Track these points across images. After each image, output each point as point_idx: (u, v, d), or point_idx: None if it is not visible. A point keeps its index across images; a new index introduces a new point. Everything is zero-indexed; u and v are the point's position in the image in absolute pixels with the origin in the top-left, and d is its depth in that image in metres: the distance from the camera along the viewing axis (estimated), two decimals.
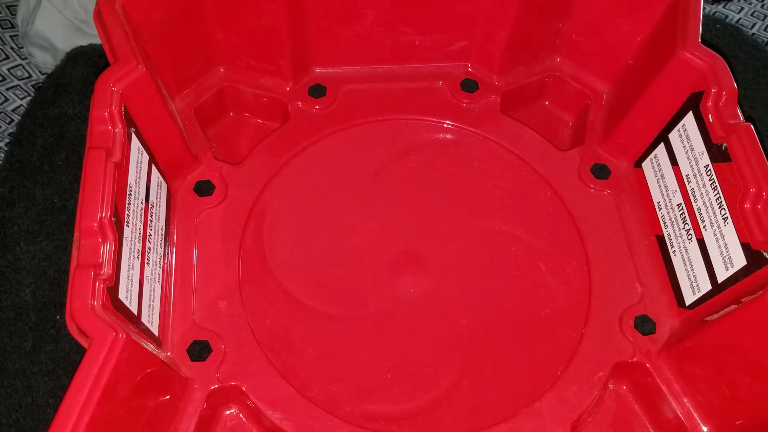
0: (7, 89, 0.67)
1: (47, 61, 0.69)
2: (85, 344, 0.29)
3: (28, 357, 0.40)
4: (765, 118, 0.52)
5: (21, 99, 0.67)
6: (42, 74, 0.70)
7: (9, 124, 0.66)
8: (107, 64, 0.36)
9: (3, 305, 0.41)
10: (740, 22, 0.80)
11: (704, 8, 0.41)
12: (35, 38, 0.67)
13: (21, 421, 0.38)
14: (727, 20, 0.78)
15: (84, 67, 0.52)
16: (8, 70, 0.69)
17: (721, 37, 0.56)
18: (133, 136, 0.36)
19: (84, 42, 0.66)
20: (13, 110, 0.67)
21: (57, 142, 0.48)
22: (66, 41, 0.66)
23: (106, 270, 0.30)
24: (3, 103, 0.66)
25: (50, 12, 0.66)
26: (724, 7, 0.80)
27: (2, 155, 0.62)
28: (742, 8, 0.80)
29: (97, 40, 0.54)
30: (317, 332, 0.39)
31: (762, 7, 0.81)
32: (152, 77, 0.37)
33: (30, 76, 0.70)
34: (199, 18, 0.43)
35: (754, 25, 0.79)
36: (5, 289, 0.42)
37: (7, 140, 0.64)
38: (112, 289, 0.31)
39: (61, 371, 0.39)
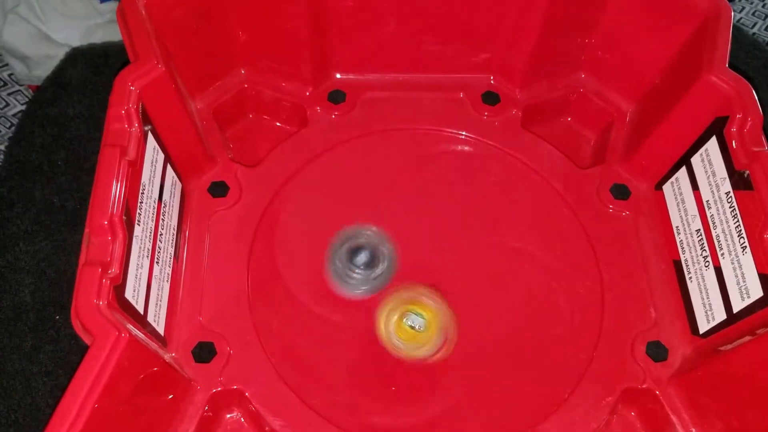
0: (8, 94, 0.68)
1: (23, 71, 0.69)
2: (88, 342, 0.29)
3: (28, 357, 0.40)
4: (765, 118, 0.51)
5: (22, 104, 0.68)
6: (21, 86, 0.70)
7: (9, 128, 0.67)
8: (107, 64, 0.36)
9: (2, 305, 0.41)
10: (741, 21, 0.79)
11: None
12: (7, 49, 0.68)
13: (20, 422, 0.38)
14: None
15: (83, 67, 0.52)
16: (9, 75, 0.70)
17: None
18: (150, 135, 0.36)
19: (52, 49, 0.66)
20: (13, 115, 0.68)
21: (56, 142, 0.48)
22: (35, 50, 0.67)
23: (114, 268, 0.30)
24: (4, 108, 0.67)
25: (16, 23, 0.66)
26: None
27: (2, 157, 0.63)
28: (743, 8, 0.79)
29: (67, 49, 0.55)
30: (323, 340, 0.39)
31: (763, 6, 0.80)
32: (171, 77, 0.37)
33: None
34: (222, 19, 0.43)
35: (755, 24, 0.78)
36: (4, 290, 0.42)
37: (6, 144, 0.65)
38: (119, 288, 0.31)
39: (61, 372, 0.39)
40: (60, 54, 0.61)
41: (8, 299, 0.42)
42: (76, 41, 0.65)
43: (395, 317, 0.38)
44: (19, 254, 0.43)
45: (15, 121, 0.68)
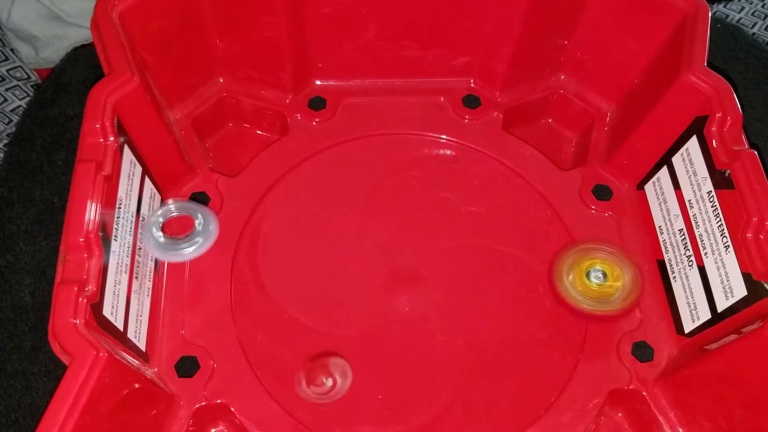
0: (7, 90, 0.67)
1: (29, 54, 0.68)
2: (66, 362, 0.28)
3: (28, 357, 0.39)
4: (765, 118, 0.51)
5: (20, 99, 0.67)
6: (19, 81, 0.69)
7: (8, 124, 0.65)
8: None
9: (2, 305, 0.41)
10: (741, 21, 0.78)
11: None
12: (15, 30, 0.66)
13: (20, 422, 0.38)
14: (728, 20, 0.77)
15: (84, 66, 0.52)
16: (7, 71, 0.68)
17: (722, 36, 0.55)
18: (126, 148, 0.36)
19: (62, 29, 0.65)
20: (12, 110, 0.67)
21: (56, 142, 0.48)
22: (44, 30, 0.65)
23: (91, 286, 0.30)
24: (2, 103, 0.66)
25: (26, 3, 0.65)
26: (724, 6, 0.79)
27: (1, 155, 0.62)
28: (743, 8, 0.79)
29: (78, 28, 0.54)
30: (309, 350, 0.39)
31: (763, 6, 0.80)
32: (147, 88, 0.37)
33: (29, 77, 0.69)
34: (199, 28, 0.43)
35: (755, 24, 0.78)
36: (4, 290, 0.42)
37: (6, 140, 0.64)
38: (97, 305, 0.30)
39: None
40: (69, 34, 0.60)
41: (8, 299, 0.41)
42: (86, 21, 0.64)
43: (574, 275, 0.40)
44: (19, 254, 0.43)
45: (14, 117, 0.67)
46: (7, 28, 0.67)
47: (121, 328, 0.33)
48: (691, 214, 0.38)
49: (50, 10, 0.64)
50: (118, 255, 0.33)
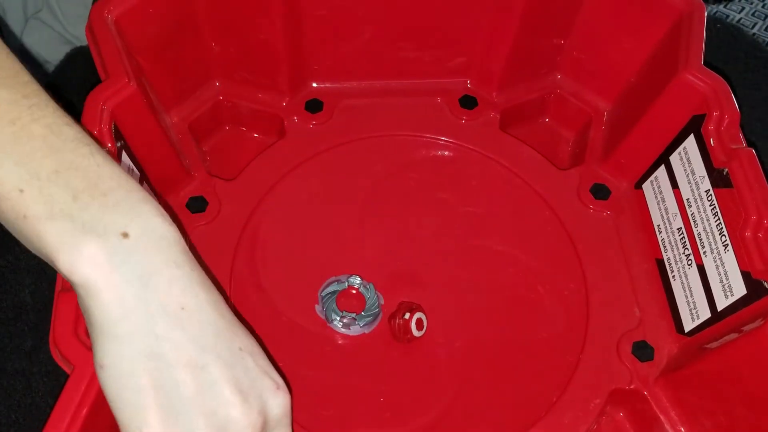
0: None
1: (41, 79, 0.68)
2: (68, 370, 0.28)
3: (28, 357, 0.39)
4: (765, 118, 0.51)
5: None
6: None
7: None
8: None
9: (3, 305, 0.41)
10: (741, 21, 0.79)
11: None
12: (26, 55, 0.67)
13: (21, 422, 0.38)
14: (728, 20, 0.78)
15: (83, 66, 0.52)
16: None
17: (722, 37, 0.55)
18: (123, 154, 0.36)
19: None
20: None
21: None
22: (57, 54, 0.66)
23: None
24: None
25: (38, 28, 0.65)
26: (724, 7, 0.80)
27: None
28: (743, 8, 0.79)
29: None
30: (309, 353, 0.39)
31: (763, 7, 0.80)
32: (144, 93, 0.37)
33: None
34: (194, 32, 0.43)
35: (755, 24, 0.79)
36: (5, 290, 0.42)
37: None
38: None
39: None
40: None
41: (8, 299, 0.41)
42: None
43: None
44: (19, 254, 0.43)
45: None
46: (19, 53, 0.67)
47: None
48: (689, 213, 0.38)
49: (62, 36, 0.64)
50: None
